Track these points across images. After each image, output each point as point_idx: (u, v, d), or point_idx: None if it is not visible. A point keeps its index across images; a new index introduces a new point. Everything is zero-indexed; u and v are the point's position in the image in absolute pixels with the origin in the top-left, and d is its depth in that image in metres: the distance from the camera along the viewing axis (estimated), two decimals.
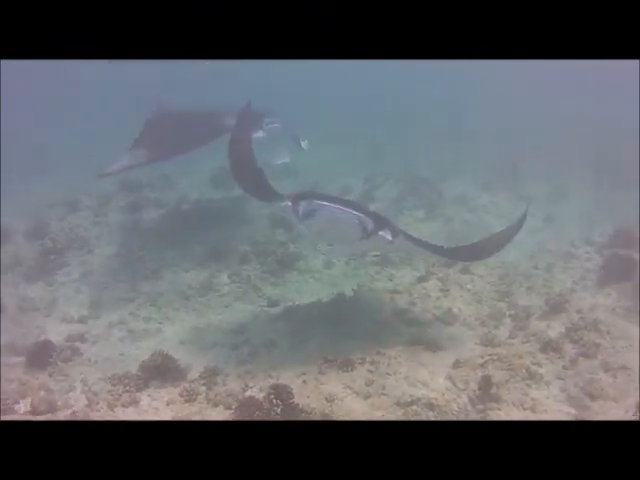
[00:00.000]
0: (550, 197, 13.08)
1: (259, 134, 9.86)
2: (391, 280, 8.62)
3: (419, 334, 7.02)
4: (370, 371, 6.20)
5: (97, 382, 6.36)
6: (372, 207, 11.88)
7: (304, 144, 9.98)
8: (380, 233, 5.91)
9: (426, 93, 26.79)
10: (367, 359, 6.37)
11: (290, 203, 5.88)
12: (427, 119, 20.78)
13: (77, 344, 7.32)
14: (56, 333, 7.62)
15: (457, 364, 6.27)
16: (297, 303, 8.22)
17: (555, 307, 7.40)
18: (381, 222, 5.91)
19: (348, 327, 7.17)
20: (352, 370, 6.18)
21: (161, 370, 6.31)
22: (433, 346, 6.77)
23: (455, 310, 7.54)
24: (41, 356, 6.79)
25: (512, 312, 7.50)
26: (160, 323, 7.94)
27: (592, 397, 5.72)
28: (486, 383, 5.70)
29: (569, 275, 8.73)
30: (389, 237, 6.01)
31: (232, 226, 10.36)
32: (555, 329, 6.95)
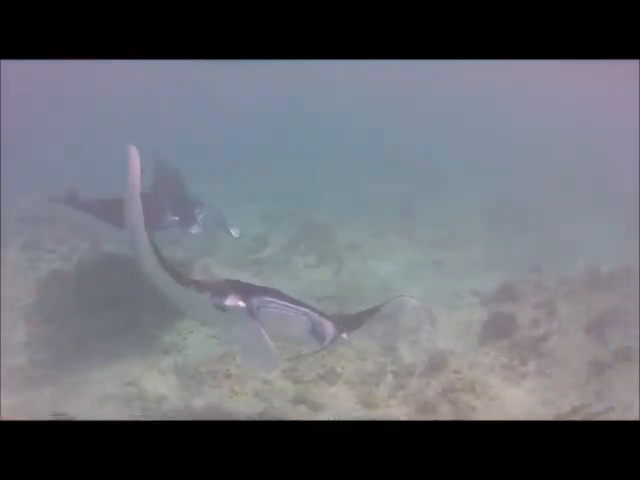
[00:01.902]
0: (441, 242, 13.51)
1: (195, 229, 9.34)
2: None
3: (303, 393, 7.18)
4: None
5: None
6: (266, 251, 12.30)
7: (234, 232, 9.80)
8: (343, 336, 5.49)
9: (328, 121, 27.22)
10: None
11: (241, 302, 5.39)
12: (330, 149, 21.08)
13: None
14: None
15: None
16: (188, 354, 8.20)
17: (435, 365, 7.58)
18: (339, 323, 5.53)
19: (235, 383, 7.31)
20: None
21: None
22: (315, 406, 6.97)
23: (339, 369, 7.67)
24: None
25: (394, 368, 7.76)
26: (59, 371, 7.65)
27: None
28: None
29: (452, 329, 9.08)
30: (346, 337, 5.59)
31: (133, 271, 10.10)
32: (434, 388, 7.14)
